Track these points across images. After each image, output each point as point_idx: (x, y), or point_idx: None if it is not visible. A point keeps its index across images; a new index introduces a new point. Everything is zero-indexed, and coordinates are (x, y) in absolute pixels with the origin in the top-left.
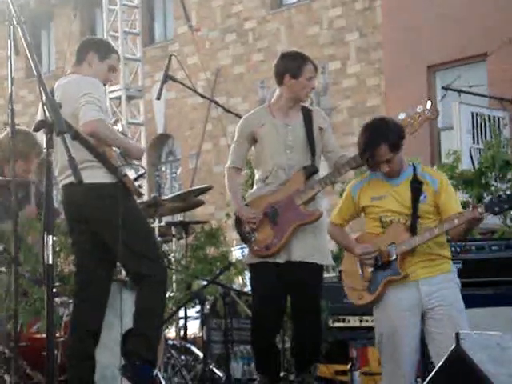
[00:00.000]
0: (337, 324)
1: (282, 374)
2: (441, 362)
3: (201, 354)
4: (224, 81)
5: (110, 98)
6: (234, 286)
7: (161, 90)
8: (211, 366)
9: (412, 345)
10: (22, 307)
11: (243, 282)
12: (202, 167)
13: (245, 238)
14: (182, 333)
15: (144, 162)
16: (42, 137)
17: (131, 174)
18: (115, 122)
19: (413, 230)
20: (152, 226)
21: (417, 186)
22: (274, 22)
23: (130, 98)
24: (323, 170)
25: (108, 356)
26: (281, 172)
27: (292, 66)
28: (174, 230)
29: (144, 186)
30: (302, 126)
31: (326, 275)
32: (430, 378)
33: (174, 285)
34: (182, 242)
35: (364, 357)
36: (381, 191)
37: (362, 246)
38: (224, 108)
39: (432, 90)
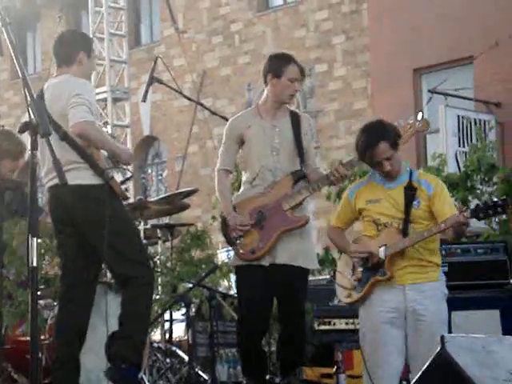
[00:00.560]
0: (322, 327)
1: (267, 377)
2: (426, 365)
3: (186, 357)
4: (210, 83)
5: (96, 100)
6: (220, 289)
7: (147, 92)
8: (197, 369)
9: (394, 346)
10: (7, 310)
11: (229, 284)
12: (189, 170)
13: (230, 241)
14: (167, 335)
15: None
16: (26, 138)
17: (118, 177)
18: (104, 124)
19: (404, 234)
20: (138, 228)
21: (410, 192)
22: (260, 25)
23: (115, 100)
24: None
25: (93, 359)
26: (268, 174)
27: (275, 65)
28: (159, 233)
29: (130, 189)
30: (290, 129)
31: (311, 278)
32: (415, 381)
33: (160, 287)
34: (168, 244)
35: (350, 360)
36: (377, 194)
37: (355, 245)
38: (210, 110)
39: (418, 93)
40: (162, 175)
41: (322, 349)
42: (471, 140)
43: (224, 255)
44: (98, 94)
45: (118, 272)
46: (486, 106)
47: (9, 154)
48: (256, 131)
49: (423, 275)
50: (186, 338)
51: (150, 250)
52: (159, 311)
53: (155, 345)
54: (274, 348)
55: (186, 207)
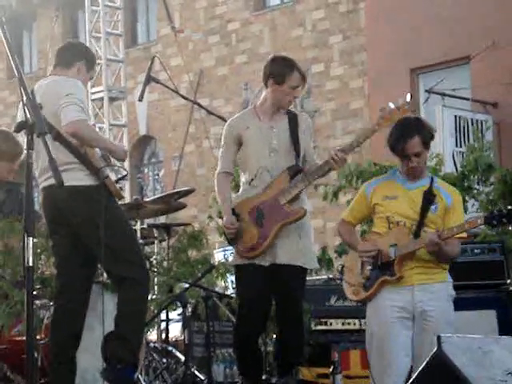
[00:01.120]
0: (319, 327)
1: (263, 377)
2: (422, 365)
3: (182, 357)
4: (207, 83)
5: (92, 100)
6: (216, 289)
7: (143, 91)
8: (193, 369)
9: (402, 346)
10: (3, 310)
11: (225, 284)
12: (185, 169)
13: (231, 240)
14: (163, 335)
15: (126, 163)
16: (22, 138)
17: (112, 177)
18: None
19: (416, 235)
20: (134, 228)
21: (429, 197)
22: (257, 24)
23: (112, 99)
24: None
25: (89, 359)
26: (266, 174)
27: (277, 71)
28: (156, 232)
29: (126, 188)
30: (287, 130)
31: (308, 278)
32: (412, 381)
33: (156, 287)
34: (164, 244)
35: (346, 360)
36: (395, 192)
37: (364, 243)
38: (207, 110)
39: (415, 92)
40: (158, 175)
41: (319, 349)
42: (468, 140)
43: (220, 255)
44: (94, 93)
45: (114, 272)
46: (483, 106)
47: (6, 156)
48: (254, 133)
49: (431, 276)
50: (182, 338)
51: (147, 249)
52: (155, 311)
53: (151, 345)
54: (270, 348)
55: (182, 207)
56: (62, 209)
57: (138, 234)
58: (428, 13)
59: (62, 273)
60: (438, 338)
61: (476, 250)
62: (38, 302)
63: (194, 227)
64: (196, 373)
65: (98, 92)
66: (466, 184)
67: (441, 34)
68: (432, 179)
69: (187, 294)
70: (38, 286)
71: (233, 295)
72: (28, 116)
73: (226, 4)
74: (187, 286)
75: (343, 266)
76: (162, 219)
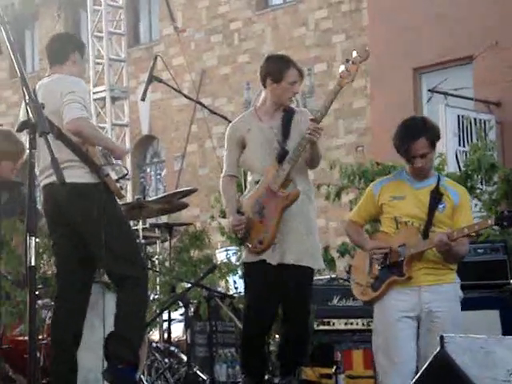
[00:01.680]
0: (322, 327)
1: (266, 377)
2: (425, 365)
3: (185, 357)
4: (209, 82)
5: (95, 99)
6: (219, 289)
7: (146, 91)
8: (195, 369)
9: (409, 346)
10: (5, 310)
11: (226, 285)
12: (187, 169)
13: (242, 239)
14: (165, 335)
15: (128, 163)
16: (24, 137)
17: (113, 175)
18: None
19: (425, 235)
20: (136, 227)
21: (436, 197)
22: (259, 24)
23: (114, 99)
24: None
25: (91, 359)
26: None
27: (274, 70)
28: (158, 232)
29: (128, 188)
30: (280, 125)
31: None
32: (415, 381)
33: (158, 287)
34: (166, 244)
35: (349, 360)
36: (402, 192)
37: (374, 242)
38: (209, 109)
39: (418, 92)
40: (160, 174)
41: (322, 349)
42: (471, 139)
43: (222, 255)
44: (96, 92)
45: (114, 272)
46: (486, 105)
47: (9, 155)
48: (256, 134)
49: (439, 277)
50: (184, 338)
51: (149, 249)
52: (157, 311)
53: (154, 345)
54: (272, 348)
55: (184, 207)
56: (62, 206)
57: (140, 234)
58: (430, 12)
59: (61, 272)
60: (441, 338)
61: (479, 250)
62: (40, 301)
63: (196, 227)
64: (198, 373)
65: (100, 91)
66: (469, 184)
67: (443, 34)
68: (439, 178)
69: (189, 293)
70: (40, 286)
71: (235, 295)
72: (30, 115)
73: (228, 3)
74: (189, 285)
75: (351, 266)
76: (164, 219)
